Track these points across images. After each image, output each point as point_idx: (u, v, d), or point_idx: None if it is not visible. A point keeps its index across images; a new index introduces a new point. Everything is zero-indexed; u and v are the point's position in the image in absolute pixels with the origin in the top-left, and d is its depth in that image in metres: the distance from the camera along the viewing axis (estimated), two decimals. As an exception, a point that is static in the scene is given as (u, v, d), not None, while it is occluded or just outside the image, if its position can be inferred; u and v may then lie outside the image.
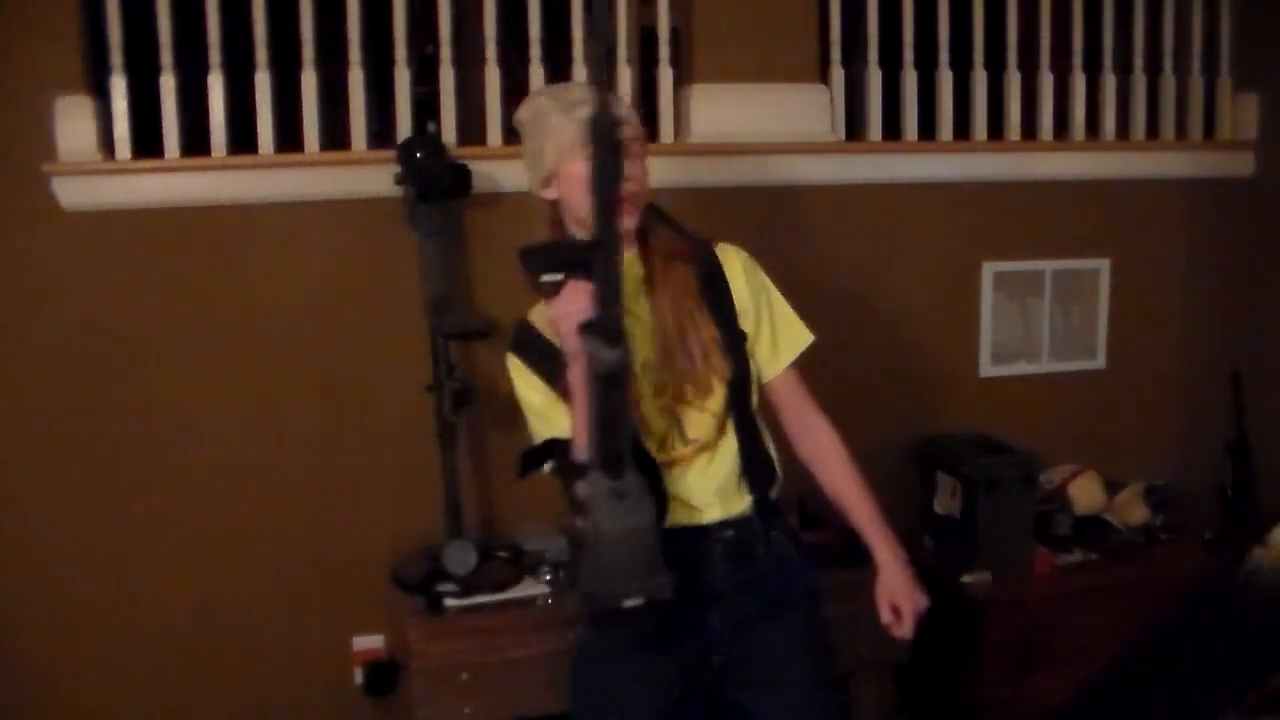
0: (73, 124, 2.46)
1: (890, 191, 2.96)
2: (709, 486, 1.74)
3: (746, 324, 1.76)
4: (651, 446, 1.69)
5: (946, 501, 2.86)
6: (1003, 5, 3.03)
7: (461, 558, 2.47)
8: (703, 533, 1.74)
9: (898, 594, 1.82)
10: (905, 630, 1.82)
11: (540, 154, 1.70)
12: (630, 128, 1.68)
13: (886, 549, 1.82)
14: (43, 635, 2.60)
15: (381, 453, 2.67)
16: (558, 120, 1.67)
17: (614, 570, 1.51)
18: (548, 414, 1.71)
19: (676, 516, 1.71)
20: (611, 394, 1.49)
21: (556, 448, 1.64)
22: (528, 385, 1.74)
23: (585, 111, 1.59)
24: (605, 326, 1.45)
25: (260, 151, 2.58)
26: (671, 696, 1.74)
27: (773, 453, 1.81)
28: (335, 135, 2.65)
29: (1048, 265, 3.14)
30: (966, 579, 2.73)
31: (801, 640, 1.79)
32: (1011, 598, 2.70)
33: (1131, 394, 3.24)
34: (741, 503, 1.76)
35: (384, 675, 2.68)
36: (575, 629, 2.27)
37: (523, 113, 1.76)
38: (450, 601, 2.41)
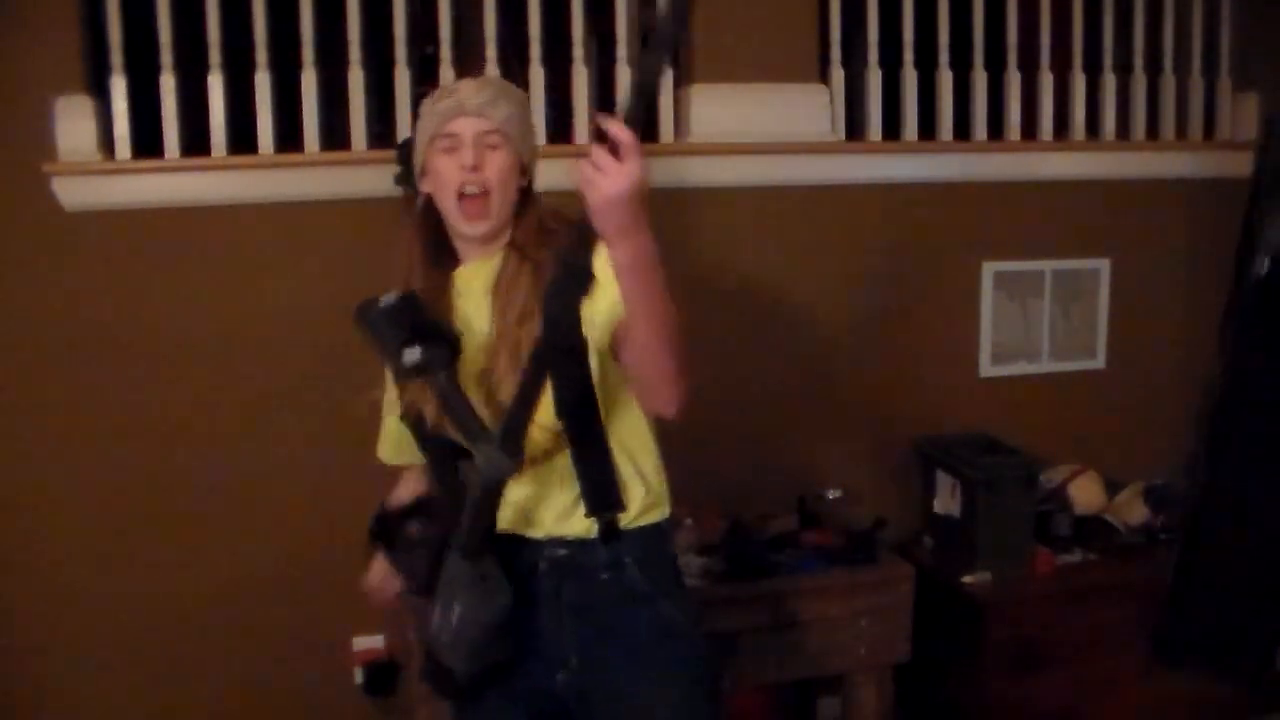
0: (73, 124, 2.46)
1: (890, 191, 2.96)
2: (540, 500, 1.63)
3: (592, 331, 1.53)
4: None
5: (946, 501, 2.86)
6: (1003, 5, 3.03)
7: (461, 558, 2.46)
8: (532, 546, 1.64)
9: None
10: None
11: (416, 146, 1.66)
12: (482, 120, 1.58)
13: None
14: (42, 635, 2.60)
15: (381, 453, 2.67)
16: (425, 113, 1.63)
17: (471, 650, 1.54)
18: (384, 426, 1.78)
19: (512, 524, 1.64)
20: (496, 497, 1.49)
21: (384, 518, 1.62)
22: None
23: (444, 103, 1.60)
24: (509, 436, 1.43)
25: (260, 151, 2.58)
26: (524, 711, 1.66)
27: (629, 478, 1.62)
28: (335, 135, 2.65)
29: (1048, 265, 3.14)
30: (966, 579, 2.73)
31: (645, 680, 1.63)
32: (1011, 598, 2.70)
33: (1131, 394, 3.24)
34: (580, 524, 1.61)
35: (384, 675, 2.67)
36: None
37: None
38: (450, 601, 2.40)
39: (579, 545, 1.63)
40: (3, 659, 2.60)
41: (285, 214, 2.58)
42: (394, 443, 1.87)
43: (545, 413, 1.53)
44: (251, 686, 2.67)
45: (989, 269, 3.09)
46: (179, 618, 2.63)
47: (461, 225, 1.61)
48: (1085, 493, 2.98)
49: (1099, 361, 3.23)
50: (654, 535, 1.67)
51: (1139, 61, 3.16)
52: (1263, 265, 1.94)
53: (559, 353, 1.44)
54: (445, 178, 1.60)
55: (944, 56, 2.99)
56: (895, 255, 3.00)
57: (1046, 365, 3.19)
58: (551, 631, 1.64)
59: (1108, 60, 3.13)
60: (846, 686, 2.63)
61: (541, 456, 1.60)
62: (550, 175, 2.72)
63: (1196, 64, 3.22)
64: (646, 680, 1.62)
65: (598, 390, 1.57)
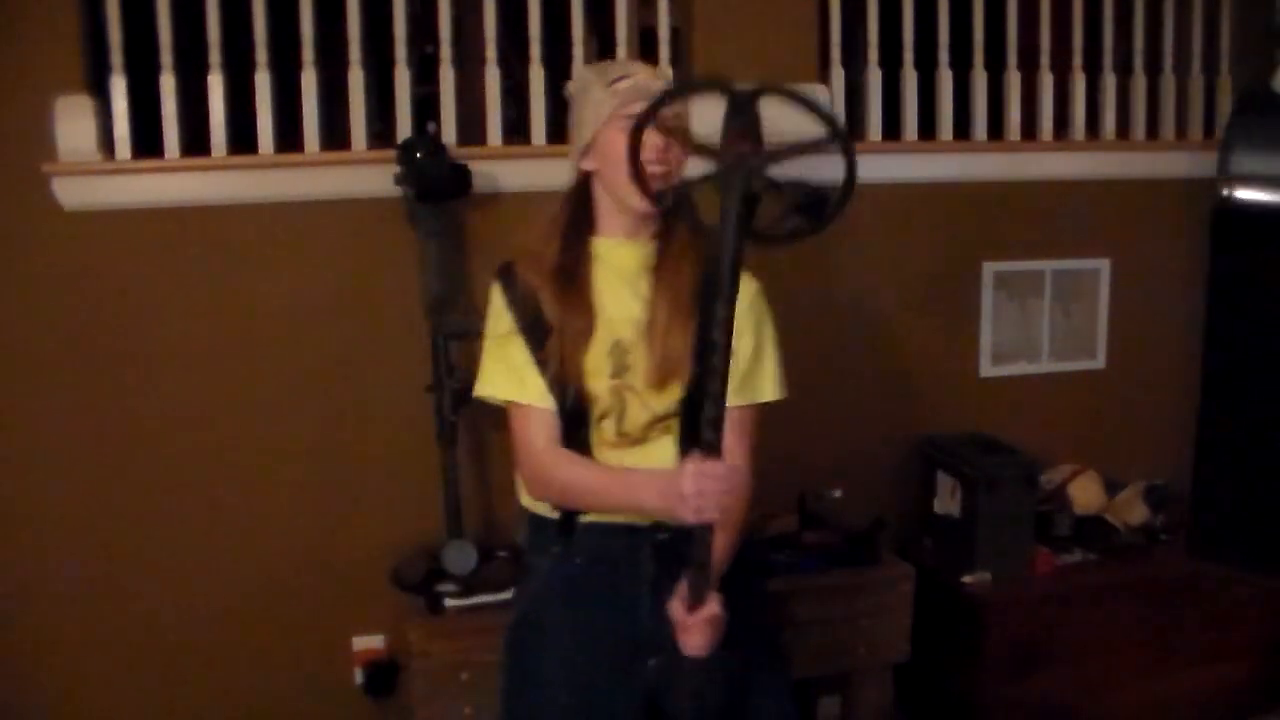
0: (73, 124, 2.46)
1: (890, 191, 2.96)
2: None
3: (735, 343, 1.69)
4: (592, 422, 1.72)
5: (946, 501, 2.86)
6: (1003, 5, 3.03)
7: (461, 558, 2.47)
8: (633, 530, 1.73)
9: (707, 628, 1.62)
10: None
11: (581, 124, 1.73)
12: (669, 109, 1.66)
13: (716, 599, 1.62)
14: (42, 635, 2.59)
15: (381, 453, 2.67)
16: (598, 93, 1.70)
17: None
18: (522, 372, 1.72)
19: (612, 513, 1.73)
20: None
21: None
22: (500, 322, 1.77)
23: (625, 84, 1.68)
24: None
25: (260, 151, 2.58)
26: (600, 690, 1.72)
27: None
28: (335, 135, 2.65)
29: (1048, 265, 3.15)
30: (966, 579, 2.73)
31: (735, 657, 1.68)
32: (1011, 598, 2.70)
33: (1131, 394, 3.24)
34: None
35: (384, 675, 2.68)
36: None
37: (570, 85, 1.80)
38: (450, 601, 2.41)
39: (681, 530, 1.65)
40: (3, 659, 2.60)
41: (285, 214, 2.58)
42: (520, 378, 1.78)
43: (663, 403, 1.70)
44: (252, 686, 2.66)
45: (989, 269, 3.09)
46: (179, 618, 2.63)
47: (636, 202, 1.65)
48: (1085, 493, 2.98)
49: (1099, 361, 3.23)
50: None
51: (1139, 61, 3.16)
52: (1218, 193, 1.98)
53: (714, 344, 1.50)
54: (623, 155, 1.60)
55: (944, 56, 2.99)
56: (895, 255, 3.00)
57: (1046, 365, 3.19)
58: (650, 618, 1.70)
59: (1108, 60, 3.13)
60: (846, 686, 2.63)
61: (640, 438, 1.72)
62: (552, 175, 2.74)
63: (1196, 64, 3.22)
64: (737, 658, 1.67)
65: None
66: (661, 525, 1.71)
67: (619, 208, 1.73)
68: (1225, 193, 1.68)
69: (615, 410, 1.72)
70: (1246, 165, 1.58)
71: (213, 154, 2.57)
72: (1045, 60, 3.08)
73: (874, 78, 2.94)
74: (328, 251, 2.62)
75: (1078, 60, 3.11)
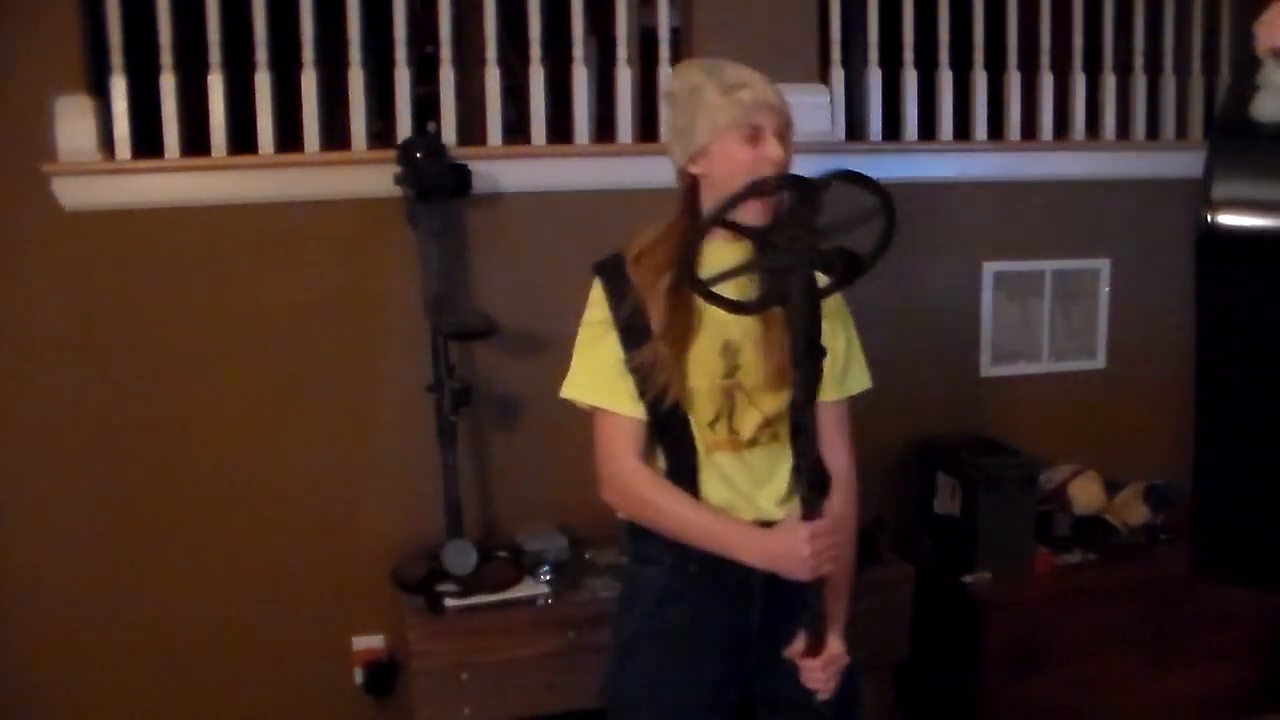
0: (73, 124, 2.46)
1: (891, 191, 2.95)
2: (754, 482, 1.73)
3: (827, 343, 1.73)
4: (702, 424, 1.69)
5: (946, 501, 2.86)
6: (1003, 5, 3.03)
7: (461, 558, 2.47)
8: None
9: (829, 668, 1.70)
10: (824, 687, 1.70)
11: (691, 129, 1.69)
12: (781, 116, 1.69)
13: (837, 639, 1.73)
14: (42, 635, 2.60)
15: (381, 453, 2.67)
16: (714, 98, 1.67)
17: None
18: (612, 376, 1.68)
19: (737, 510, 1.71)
20: None
21: None
22: (597, 311, 1.72)
23: (747, 95, 1.66)
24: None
25: (260, 151, 2.58)
26: (709, 696, 1.74)
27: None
28: (335, 135, 2.65)
29: (1048, 265, 3.15)
30: (966, 579, 2.73)
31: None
32: (1011, 598, 2.70)
33: (1131, 394, 3.24)
34: (789, 508, 1.69)
35: (384, 675, 2.68)
36: (569, 632, 2.28)
37: (674, 85, 1.76)
38: (450, 601, 2.41)
39: None
40: (3, 658, 2.60)
41: (285, 214, 2.58)
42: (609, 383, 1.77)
43: (772, 404, 1.68)
44: (252, 686, 2.67)
45: (989, 269, 3.09)
46: (179, 618, 2.63)
47: (749, 215, 1.63)
48: (1085, 493, 2.98)
49: (1099, 361, 3.23)
50: None
51: (1139, 61, 3.16)
52: (1202, 220, 1.96)
53: (813, 347, 1.53)
54: (741, 165, 1.65)
55: (944, 56, 2.99)
56: (895, 255, 2.98)
57: (1046, 365, 3.19)
58: (756, 625, 1.73)
59: (1108, 60, 3.13)
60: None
61: (757, 440, 1.71)
62: (552, 175, 2.75)
63: (1196, 64, 3.22)
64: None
65: None
66: (769, 523, 1.69)
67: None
68: (1209, 218, 1.68)
69: (725, 411, 1.70)
70: (1229, 191, 1.59)
71: (213, 154, 2.57)
72: (1045, 60, 3.08)
73: (874, 78, 2.94)
74: (328, 251, 2.62)
75: (1078, 60, 3.11)
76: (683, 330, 1.66)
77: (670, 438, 1.71)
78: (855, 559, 1.83)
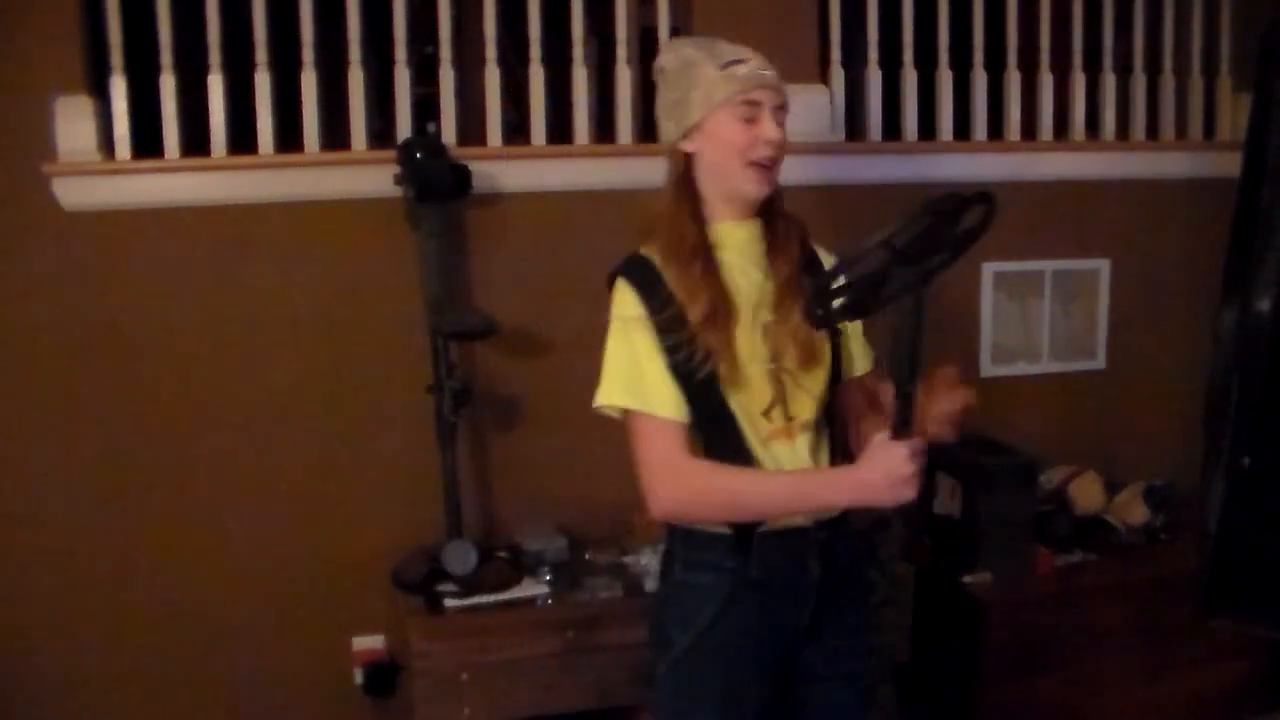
0: (73, 124, 2.46)
1: (890, 191, 2.96)
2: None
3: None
4: (754, 414, 1.65)
5: (946, 501, 2.85)
6: (1003, 5, 3.03)
7: (461, 558, 2.47)
8: (801, 535, 1.69)
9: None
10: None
11: (685, 103, 1.66)
12: (777, 92, 1.67)
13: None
14: (42, 634, 2.59)
15: (381, 453, 2.67)
16: (710, 72, 1.64)
17: None
18: (648, 380, 1.60)
19: (785, 520, 1.68)
20: None
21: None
22: (627, 307, 1.64)
23: (743, 69, 1.64)
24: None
25: (260, 151, 2.58)
26: (754, 697, 1.73)
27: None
28: (335, 135, 2.65)
29: (1048, 265, 3.14)
30: (966, 579, 2.73)
31: (859, 638, 1.78)
32: (1011, 598, 2.70)
33: (1131, 394, 3.24)
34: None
35: (384, 675, 2.68)
36: (569, 632, 2.27)
37: (665, 60, 1.72)
38: (450, 601, 2.41)
39: (834, 525, 1.70)
40: (3, 659, 2.60)
41: (285, 214, 2.58)
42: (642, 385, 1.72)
43: (817, 381, 1.67)
44: (252, 686, 2.67)
45: (989, 269, 3.09)
46: (179, 618, 2.63)
47: (748, 188, 1.65)
48: (1085, 493, 2.98)
49: (1099, 361, 3.23)
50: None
51: (1139, 61, 3.16)
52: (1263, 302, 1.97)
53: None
54: (736, 141, 1.63)
55: (944, 56, 2.99)
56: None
57: (1046, 365, 3.19)
58: (809, 616, 1.71)
59: (1108, 60, 3.13)
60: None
61: (811, 422, 1.68)
62: (552, 175, 2.75)
63: (1196, 64, 3.22)
64: (864, 653, 1.73)
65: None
66: (823, 524, 1.69)
67: (727, 193, 1.68)
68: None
69: (778, 396, 1.65)
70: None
71: (213, 154, 2.57)
72: (1045, 60, 3.08)
73: (874, 78, 2.94)
74: (328, 251, 2.62)
75: (1078, 60, 3.11)
76: (725, 316, 1.61)
77: (718, 438, 1.63)
78: None
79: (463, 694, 2.31)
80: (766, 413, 1.65)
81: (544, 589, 2.48)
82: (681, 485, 1.62)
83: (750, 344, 1.64)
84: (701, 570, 1.69)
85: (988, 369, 3.13)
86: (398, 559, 2.57)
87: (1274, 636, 2.23)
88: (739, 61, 1.65)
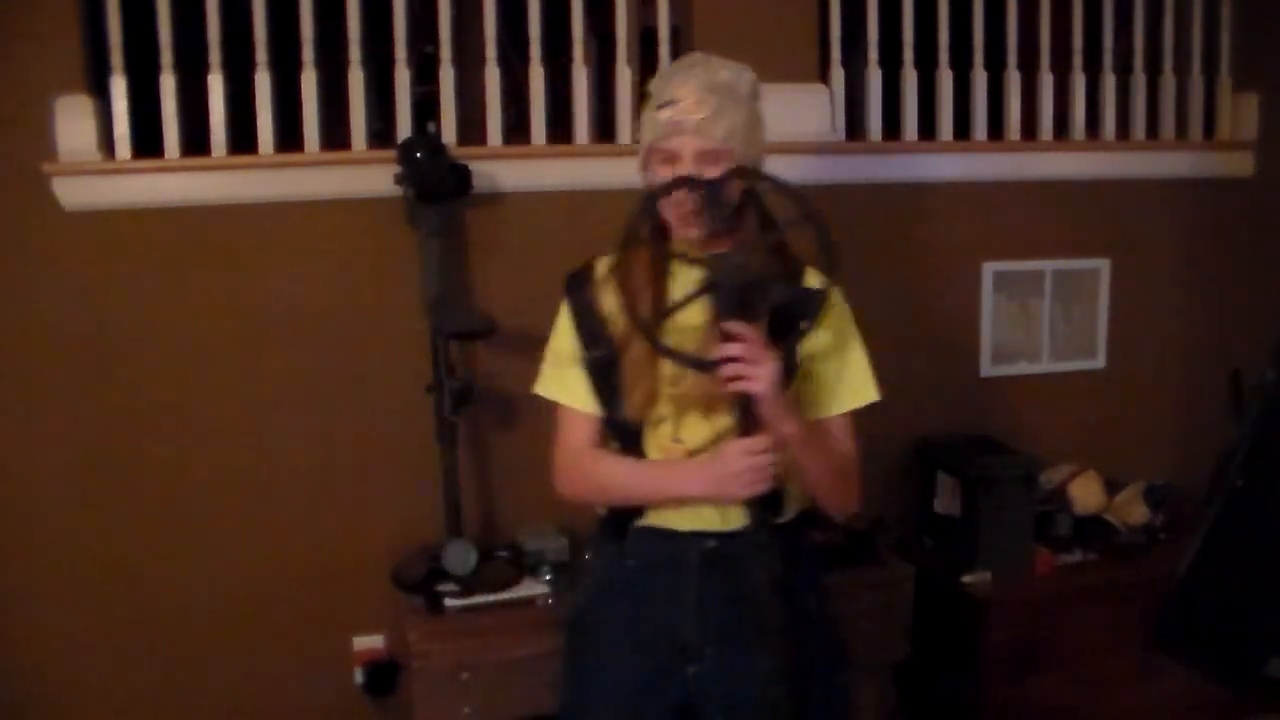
0: (73, 124, 2.46)
1: (890, 191, 2.96)
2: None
3: (809, 364, 1.75)
4: (648, 429, 1.71)
5: (946, 501, 2.86)
6: (1003, 5, 3.03)
7: (461, 558, 2.47)
8: (681, 536, 1.73)
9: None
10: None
11: (642, 139, 1.70)
12: (701, 138, 1.60)
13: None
14: (41, 635, 2.59)
15: (381, 453, 2.67)
16: (649, 109, 1.67)
17: None
18: (569, 375, 1.75)
19: (663, 517, 1.73)
20: None
21: None
22: (562, 330, 1.79)
23: (665, 114, 1.61)
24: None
25: (260, 151, 2.58)
26: (630, 699, 1.74)
27: (790, 486, 1.74)
28: (335, 135, 2.65)
29: (1048, 265, 3.15)
30: (966, 579, 2.73)
31: (778, 683, 1.64)
32: (1011, 598, 2.70)
33: (1131, 394, 3.24)
34: (735, 519, 1.66)
35: (384, 675, 2.68)
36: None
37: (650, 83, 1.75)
38: (450, 601, 2.41)
39: (728, 538, 1.69)
40: (3, 658, 2.59)
41: (285, 214, 2.58)
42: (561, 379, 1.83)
43: (722, 420, 1.65)
44: (252, 686, 2.67)
45: (989, 269, 3.09)
46: (179, 618, 2.63)
47: (676, 227, 1.66)
48: (1085, 493, 2.98)
49: (1099, 361, 3.23)
50: (796, 527, 1.79)
51: (1139, 61, 3.16)
52: None
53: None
54: (654, 184, 1.64)
55: (944, 56, 2.99)
56: (895, 255, 3.00)
57: (1046, 365, 3.19)
58: (694, 625, 1.72)
59: (1108, 60, 3.13)
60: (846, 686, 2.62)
61: (699, 450, 1.69)
62: (552, 176, 2.75)
63: (1196, 64, 3.22)
64: (784, 668, 1.66)
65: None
66: (709, 533, 1.71)
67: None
68: None
69: (671, 419, 1.70)
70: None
71: (213, 154, 2.57)
72: (1045, 60, 3.08)
73: (874, 77, 2.94)
74: (328, 251, 2.62)
75: (1078, 60, 3.11)
76: (642, 346, 1.64)
77: (625, 439, 1.74)
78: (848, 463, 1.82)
79: (463, 694, 2.31)
80: (655, 431, 1.72)
81: (544, 589, 2.48)
82: (575, 470, 1.77)
83: (660, 361, 1.65)
84: (594, 551, 1.89)
85: (988, 369, 3.13)
86: (398, 559, 2.57)
87: (1202, 677, 2.25)
88: (669, 104, 1.61)
